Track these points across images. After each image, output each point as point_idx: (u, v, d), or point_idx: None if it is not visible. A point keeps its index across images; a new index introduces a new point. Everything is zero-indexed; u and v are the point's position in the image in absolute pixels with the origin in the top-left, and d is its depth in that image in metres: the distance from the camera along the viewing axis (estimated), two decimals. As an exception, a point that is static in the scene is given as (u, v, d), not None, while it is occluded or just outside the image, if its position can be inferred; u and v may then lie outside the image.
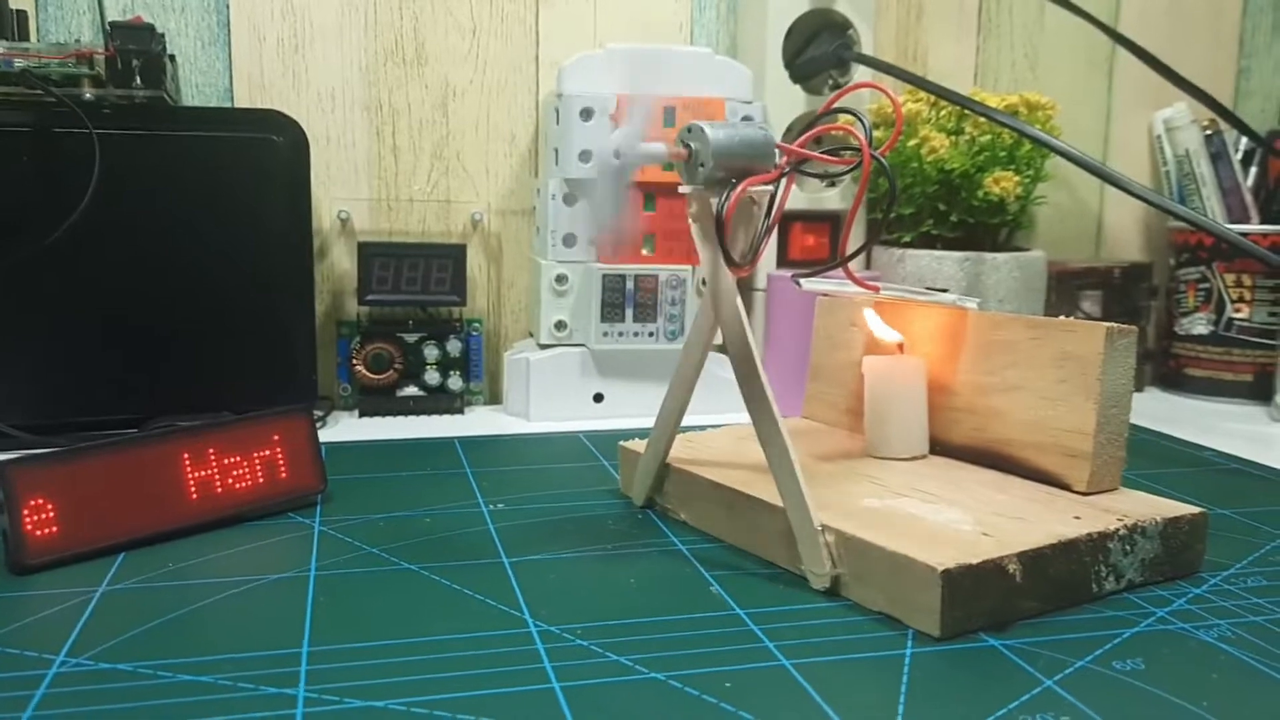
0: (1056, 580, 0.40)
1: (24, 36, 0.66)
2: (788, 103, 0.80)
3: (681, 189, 0.45)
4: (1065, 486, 0.46)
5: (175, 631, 0.37)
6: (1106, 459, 0.46)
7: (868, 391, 0.53)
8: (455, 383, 0.75)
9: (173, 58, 0.69)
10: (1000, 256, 0.76)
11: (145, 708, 0.32)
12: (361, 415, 0.74)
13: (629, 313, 0.73)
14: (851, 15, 0.80)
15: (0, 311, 0.63)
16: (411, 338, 0.75)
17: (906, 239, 0.80)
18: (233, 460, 0.49)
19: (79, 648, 0.36)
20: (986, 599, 0.38)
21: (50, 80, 0.63)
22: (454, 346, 0.75)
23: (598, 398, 0.75)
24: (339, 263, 0.78)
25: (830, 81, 0.81)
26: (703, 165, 0.44)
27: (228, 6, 0.74)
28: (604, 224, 0.49)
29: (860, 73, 0.80)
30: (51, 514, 0.43)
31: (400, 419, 0.74)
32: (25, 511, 0.43)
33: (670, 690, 0.33)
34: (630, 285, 0.73)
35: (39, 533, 0.43)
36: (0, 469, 0.42)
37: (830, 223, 0.82)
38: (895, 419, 0.52)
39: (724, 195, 0.43)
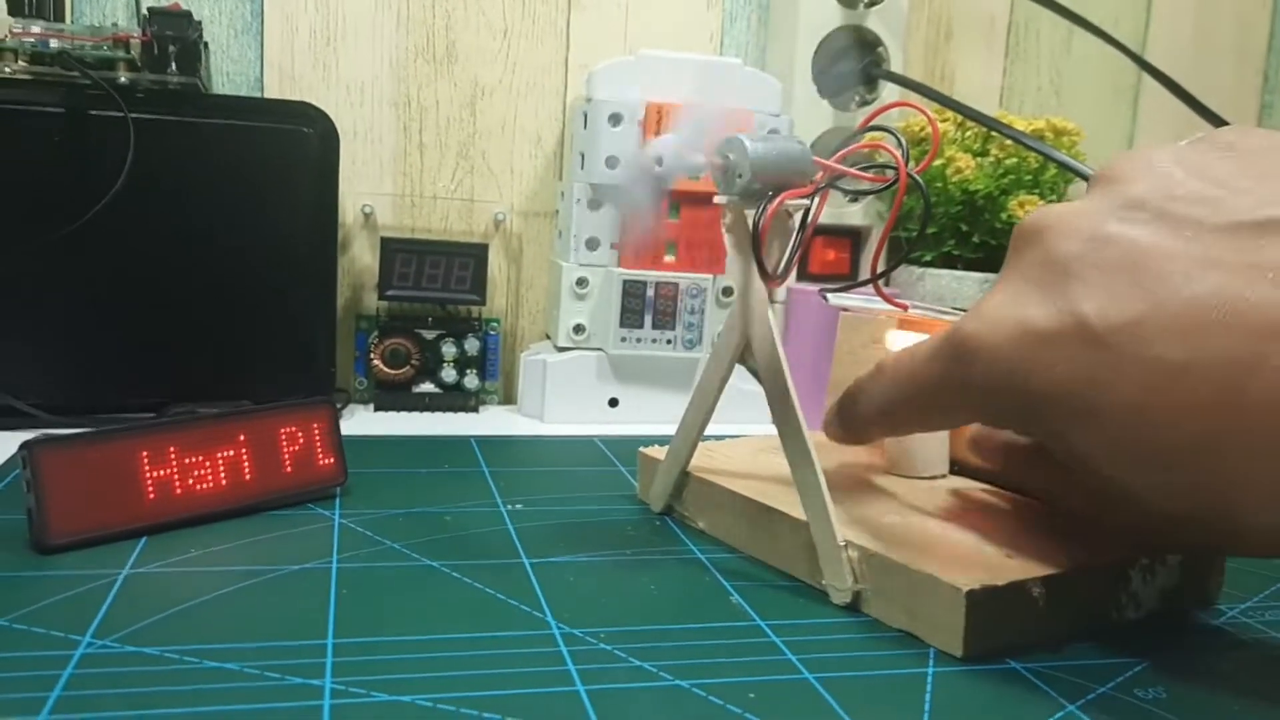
0: (1078, 605, 0.40)
1: (59, 18, 0.66)
2: (814, 117, 0.80)
3: (717, 199, 0.45)
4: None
5: (200, 617, 0.37)
6: (1128, 487, 0.46)
7: None
8: (471, 381, 0.75)
9: (206, 45, 0.69)
10: (1020, 280, 0.76)
11: (174, 692, 0.32)
12: (377, 410, 0.74)
13: (648, 319, 0.73)
14: (882, 33, 0.80)
15: (26, 292, 0.63)
16: (430, 335, 0.75)
17: (927, 258, 0.80)
18: (255, 449, 0.49)
19: (104, 629, 0.36)
20: (1009, 621, 0.38)
21: (85, 63, 0.63)
22: (471, 345, 0.75)
23: (613, 402, 0.75)
24: (360, 257, 0.79)
25: (857, 98, 0.81)
26: (740, 176, 0.44)
27: (262, -4, 0.75)
28: (634, 226, 0.48)
29: (889, 90, 0.80)
30: (76, 495, 0.43)
31: (415, 415, 0.74)
32: (50, 491, 0.43)
33: (695, 699, 0.34)
34: (650, 292, 0.73)
35: (63, 513, 0.43)
36: (27, 448, 0.43)
37: (851, 238, 0.82)
38: (916, 437, 0.52)
39: (760, 207, 0.44)
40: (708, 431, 0.51)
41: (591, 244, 0.73)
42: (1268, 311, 0.31)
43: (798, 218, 0.46)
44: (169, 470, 0.46)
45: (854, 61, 0.79)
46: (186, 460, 0.47)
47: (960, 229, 0.78)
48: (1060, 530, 0.44)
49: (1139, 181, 0.36)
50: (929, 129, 0.77)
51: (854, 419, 0.45)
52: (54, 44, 0.63)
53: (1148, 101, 0.95)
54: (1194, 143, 0.37)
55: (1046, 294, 0.35)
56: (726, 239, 0.46)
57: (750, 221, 0.44)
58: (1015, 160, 0.76)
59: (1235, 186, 0.34)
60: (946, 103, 0.72)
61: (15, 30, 0.62)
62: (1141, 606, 0.42)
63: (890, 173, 0.46)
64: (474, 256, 0.75)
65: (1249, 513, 0.32)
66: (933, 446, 0.52)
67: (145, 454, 0.45)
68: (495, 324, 0.78)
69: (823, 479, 0.42)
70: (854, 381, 0.45)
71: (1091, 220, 0.35)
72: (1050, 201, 0.76)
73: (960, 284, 0.77)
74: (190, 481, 0.47)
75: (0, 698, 0.31)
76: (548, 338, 0.79)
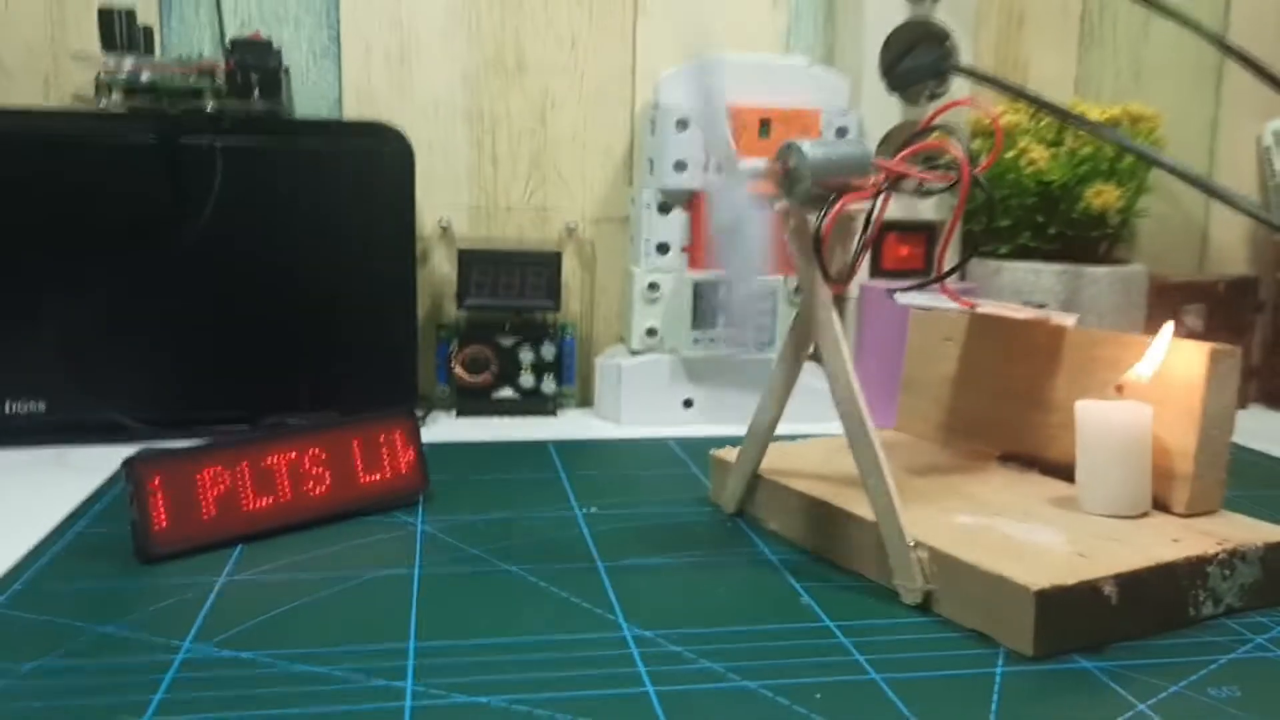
0: (1153, 603, 0.40)
1: (149, 51, 0.69)
2: (884, 112, 0.80)
3: (777, 206, 0.46)
4: (1164, 508, 0.46)
5: (291, 622, 0.39)
6: (1207, 481, 0.46)
7: (1082, 439, 0.47)
8: (549, 386, 0.77)
9: (287, 71, 0.72)
10: (1100, 270, 0.75)
11: (267, 695, 0.34)
12: (459, 415, 0.76)
13: (720, 320, 0.74)
14: (951, 24, 0.79)
15: (125, 312, 0.66)
16: (507, 341, 0.77)
17: (1003, 251, 0.79)
18: (341, 459, 0.51)
19: (203, 634, 0.38)
20: (1081, 620, 0.38)
21: (174, 92, 0.66)
22: (548, 350, 0.77)
23: (687, 404, 0.76)
24: (439, 268, 0.81)
25: (928, 92, 0.81)
26: (800, 182, 0.44)
27: (338, 20, 0.77)
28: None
29: (959, 82, 0.79)
30: (176, 506, 0.46)
31: (495, 419, 0.76)
32: (152, 503, 0.45)
33: (761, 699, 0.34)
34: (722, 293, 0.74)
35: (165, 524, 0.46)
36: (130, 463, 0.45)
37: (925, 233, 0.81)
38: (1116, 472, 0.46)
39: (821, 212, 0.44)
40: (784, 430, 0.51)
41: (662, 248, 0.74)
42: None
43: (860, 220, 0.46)
44: (262, 481, 0.48)
45: (923, 55, 0.79)
46: (278, 471, 0.49)
47: (1036, 220, 0.77)
48: (1136, 527, 0.44)
49: None
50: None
51: None
52: (145, 76, 0.66)
53: (1231, 83, 0.92)
54: None
55: None
56: (790, 244, 0.46)
57: (812, 226, 0.44)
58: (1091, 149, 0.75)
59: None
60: (1018, 93, 0.71)
61: (109, 68, 0.66)
62: (1220, 603, 0.42)
63: (954, 172, 0.46)
64: (548, 264, 0.76)
65: None
66: (1136, 482, 0.46)
67: (239, 466, 0.48)
68: (571, 329, 0.79)
69: (891, 479, 0.43)
70: None
71: None
72: (1128, 190, 0.75)
73: (1038, 276, 0.76)
74: (283, 491, 0.49)
75: (109, 701, 0.33)
76: (622, 341, 0.81)
